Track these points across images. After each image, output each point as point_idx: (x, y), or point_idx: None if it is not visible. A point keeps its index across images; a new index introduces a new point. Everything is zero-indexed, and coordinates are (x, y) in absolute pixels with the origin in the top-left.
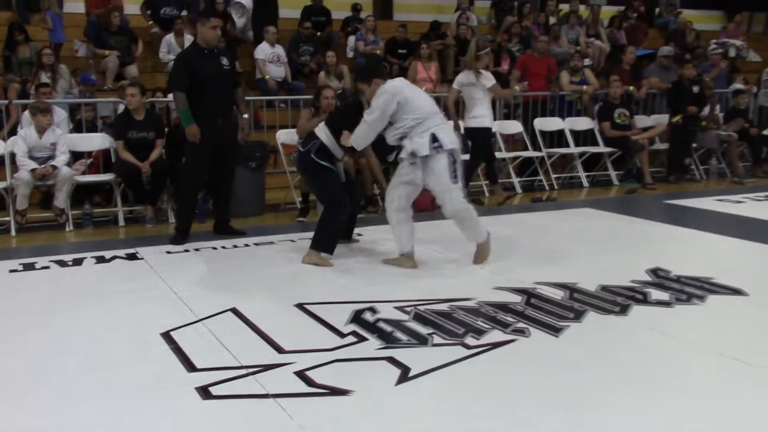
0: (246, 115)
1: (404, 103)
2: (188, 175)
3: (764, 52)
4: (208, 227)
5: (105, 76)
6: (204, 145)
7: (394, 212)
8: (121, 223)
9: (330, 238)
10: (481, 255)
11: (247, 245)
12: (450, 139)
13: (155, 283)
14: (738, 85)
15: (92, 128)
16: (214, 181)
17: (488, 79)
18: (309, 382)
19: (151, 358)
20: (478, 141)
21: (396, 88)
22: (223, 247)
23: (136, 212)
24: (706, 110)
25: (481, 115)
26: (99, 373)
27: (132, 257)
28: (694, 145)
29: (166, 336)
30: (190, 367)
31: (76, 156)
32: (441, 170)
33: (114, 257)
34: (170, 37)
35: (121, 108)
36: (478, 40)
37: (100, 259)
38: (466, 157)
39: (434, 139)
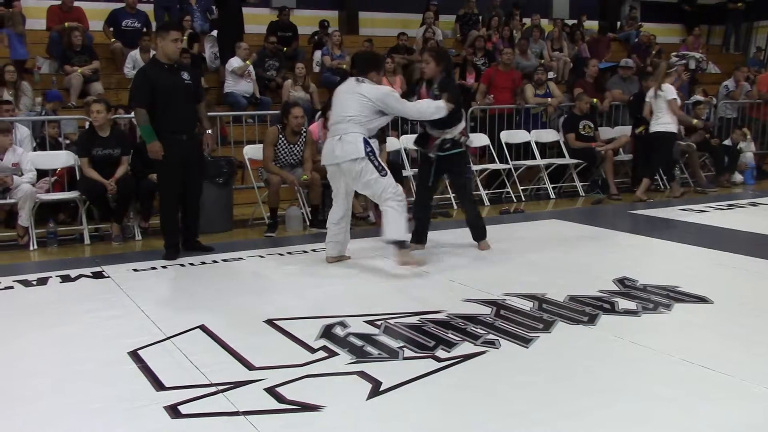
0: (210, 131)
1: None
2: (162, 192)
3: (723, 64)
4: None
5: (68, 93)
6: (171, 161)
7: None
8: (87, 241)
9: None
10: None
11: (215, 261)
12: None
13: (122, 301)
14: (698, 97)
15: (56, 146)
16: (181, 197)
17: (669, 93)
18: (280, 398)
19: (118, 377)
20: (663, 143)
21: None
22: (191, 264)
23: (102, 230)
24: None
25: (666, 122)
26: (66, 394)
27: (98, 276)
28: None
29: (134, 355)
30: (159, 385)
31: (39, 174)
32: None
33: (79, 276)
34: (135, 53)
35: (86, 125)
36: (669, 60)
37: (66, 278)
38: None
39: None
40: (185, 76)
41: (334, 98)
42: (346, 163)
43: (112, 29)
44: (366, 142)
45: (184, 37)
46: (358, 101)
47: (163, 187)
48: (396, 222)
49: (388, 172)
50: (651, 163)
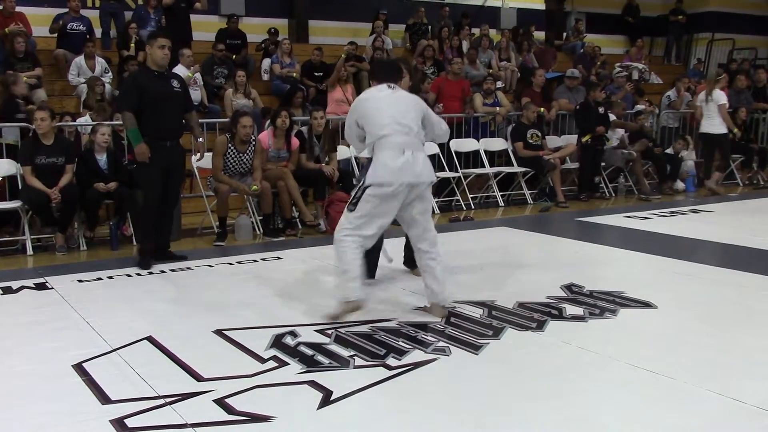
0: (201, 139)
1: (363, 119)
2: (143, 197)
3: (665, 75)
4: (121, 254)
5: None
6: (154, 166)
7: None
8: (29, 251)
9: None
10: (338, 312)
11: (163, 271)
12: (372, 174)
13: (66, 313)
14: (640, 107)
15: None
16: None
17: (720, 99)
18: (229, 409)
19: (63, 391)
20: (716, 142)
21: (357, 102)
22: (138, 275)
23: (45, 240)
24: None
25: (719, 123)
26: (9, 409)
27: (41, 287)
28: (603, 164)
29: (79, 368)
30: (105, 399)
31: None
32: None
33: (22, 287)
34: (80, 60)
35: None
36: (718, 69)
37: (7, 290)
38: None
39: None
40: (175, 84)
41: (372, 103)
42: (424, 185)
43: (56, 34)
44: None
45: (132, 45)
46: (417, 112)
47: (145, 192)
48: None
49: None
50: (723, 158)
